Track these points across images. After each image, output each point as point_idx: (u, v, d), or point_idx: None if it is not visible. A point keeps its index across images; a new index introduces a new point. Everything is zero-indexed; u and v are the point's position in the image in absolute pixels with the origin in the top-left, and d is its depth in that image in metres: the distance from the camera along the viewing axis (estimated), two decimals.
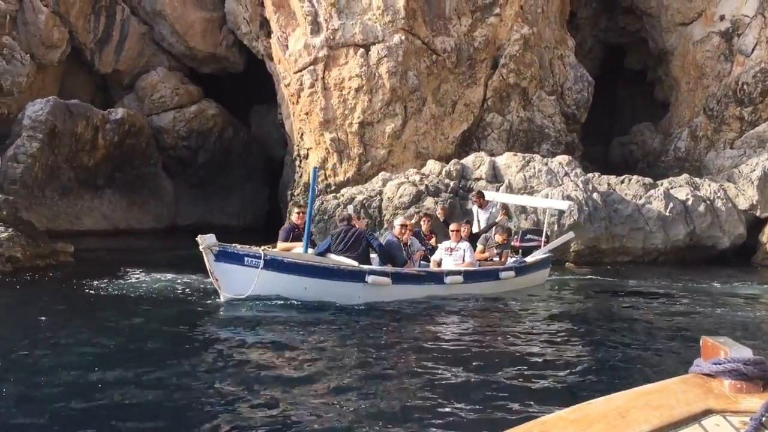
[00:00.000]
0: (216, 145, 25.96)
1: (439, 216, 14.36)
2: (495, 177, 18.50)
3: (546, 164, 18.66)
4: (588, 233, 17.29)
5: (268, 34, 22.01)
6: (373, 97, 19.80)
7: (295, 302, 9.86)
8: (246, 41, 24.13)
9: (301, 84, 20.22)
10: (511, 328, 9.08)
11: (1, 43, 17.13)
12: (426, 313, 10.12)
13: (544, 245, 13.84)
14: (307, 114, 20.47)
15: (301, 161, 21.34)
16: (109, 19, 23.94)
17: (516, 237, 14.02)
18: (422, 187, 17.88)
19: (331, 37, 19.80)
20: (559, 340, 8.37)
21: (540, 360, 7.18)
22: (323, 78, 19.98)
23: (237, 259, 9.70)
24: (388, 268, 10.80)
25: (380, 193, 18.06)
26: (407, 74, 20.00)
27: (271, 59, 22.30)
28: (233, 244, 9.89)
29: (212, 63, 25.77)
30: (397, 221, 12.02)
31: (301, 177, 21.14)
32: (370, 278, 10.37)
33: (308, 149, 20.96)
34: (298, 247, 10.73)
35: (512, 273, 12.53)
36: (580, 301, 12.07)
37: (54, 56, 22.62)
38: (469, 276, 11.64)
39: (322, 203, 18.19)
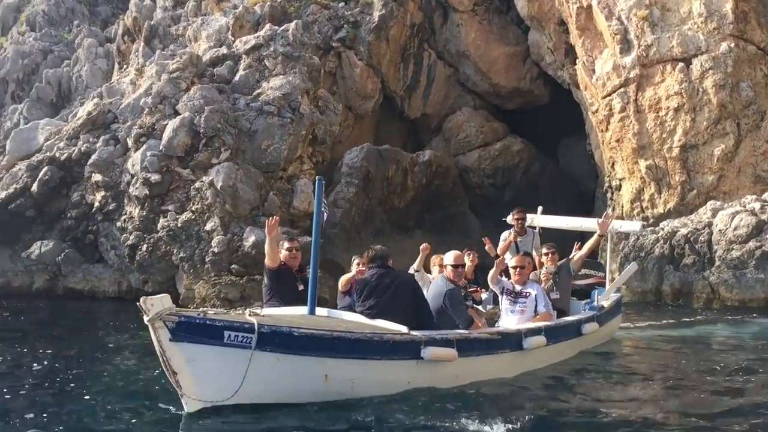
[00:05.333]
0: (522, 181, 25.12)
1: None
2: None
3: None
4: None
5: (574, 61, 20.72)
6: (697, 116, 17.28)
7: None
8: (551, 71, 23.11)
9: (611, 109, 18.49)
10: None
11: (317, 96, 18.44)
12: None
13: (609, 282, 10.52)
14: (618, 141, 18.61)
15: (613, 193, 19.49)
16: (416, 65, 24.72)
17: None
18: (764, 217, 14.93)
19: (644, 54, 17.81)
20: None
21: None
22: (636, 100, 18.03)
23: (211, 334, 5.75)
24: (451, 334, 7.02)
25: (709, 225, 15.53)
26: (739, 86, 17.13)
27: (578, 87, 20.93)
28: (202, 310, 6.04)
29: (516, 98, 25.19)
30: (449, 257, 7.91)
31: (614, 210, 19.26)
32: (427, 351, 6.60)
33: (620, 179, 19.04)
34: (295, 308, 7.14)
35: (595, 324, 9.21)
36: None
37: (368, 106, 23.92)
38: (551, 334, 8.13)
39: (638, 239, 16.13)
